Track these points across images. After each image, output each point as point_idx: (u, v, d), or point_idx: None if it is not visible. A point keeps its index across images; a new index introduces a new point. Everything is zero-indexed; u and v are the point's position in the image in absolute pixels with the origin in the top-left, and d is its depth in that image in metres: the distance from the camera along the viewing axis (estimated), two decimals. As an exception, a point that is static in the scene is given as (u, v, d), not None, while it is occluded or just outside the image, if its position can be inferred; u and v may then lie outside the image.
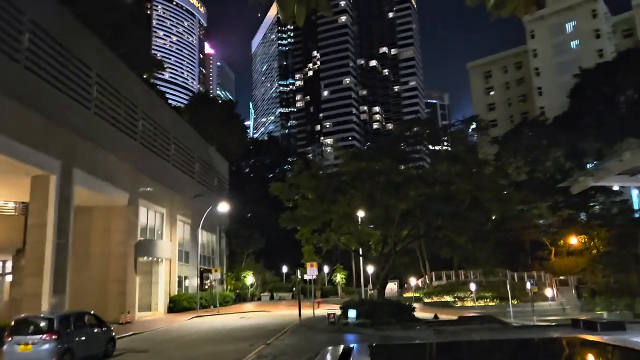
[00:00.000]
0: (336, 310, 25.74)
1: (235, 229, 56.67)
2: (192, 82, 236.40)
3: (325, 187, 28.42)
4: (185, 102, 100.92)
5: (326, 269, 65.59)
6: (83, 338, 15.58)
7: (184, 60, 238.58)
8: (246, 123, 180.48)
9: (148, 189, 35.66)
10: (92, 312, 17.22)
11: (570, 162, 53.48)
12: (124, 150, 32.61)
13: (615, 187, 19.18)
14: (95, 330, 16.57)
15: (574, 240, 52.67)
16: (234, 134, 62.90)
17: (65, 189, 25.04)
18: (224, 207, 39.47)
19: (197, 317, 33.33)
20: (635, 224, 44.22)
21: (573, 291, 48.04)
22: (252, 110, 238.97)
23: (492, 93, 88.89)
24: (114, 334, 17.61)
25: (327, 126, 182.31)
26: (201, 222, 39.46)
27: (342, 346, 10.62)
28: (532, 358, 10.92)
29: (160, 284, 37.57)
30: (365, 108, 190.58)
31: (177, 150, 42.41)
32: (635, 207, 51.13)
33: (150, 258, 36.08)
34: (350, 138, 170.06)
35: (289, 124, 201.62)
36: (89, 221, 31.29)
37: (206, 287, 43.90)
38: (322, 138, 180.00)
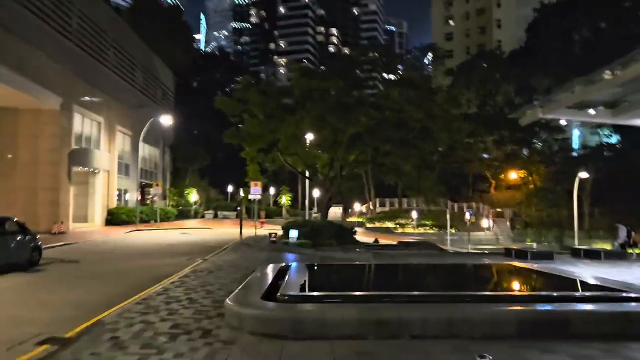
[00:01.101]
0: (278, 230, 25.53)
1: (180, 144, 54.82)
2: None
3: (274, 105, 27.20)
4: (128, 4, 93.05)
5: (272, 190, 65.38)
6: (2, 244, 14.45)
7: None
8: (197, 36, 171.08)
9: (85, 97, 33.24)
10: (14, 219, 15.97)
11: (520, 97, 54.04)
12: (56, 49, 29.82)
13: (562, 122, 19.34)
14: (18, 238, 15.42)
15: (514, 175, 54.42)
16: (180, 44, 59.25)
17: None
18: (167, 120, 37.53)
19: (135, 230, 32.45)
20: (573, 161, 45.82)
21: (507, 223, 50.17)
22: (203, 23, 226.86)
23: (451, 22, 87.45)
24: (40, 242, 16.51)
25: (282, 45, 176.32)
26: (142, 134, 37.54)
27: (281, 264, 10.06)
28: (467, 280, 10.81)
29: (97, 196, 36.09)
30: (323, 29, 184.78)
31: (117, 54, 39.42)
32: (575, 146, 52.96)
33: (87, 168, 34.29)
34: (305, 60, 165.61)
35: (242, 40, 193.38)
36: (15, 124, 28.99)
37: (147, 201, 42.72)
38: (275, 57, 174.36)
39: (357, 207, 56.76)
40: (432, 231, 47.15)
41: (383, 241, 31.62)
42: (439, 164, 47.51)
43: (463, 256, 21.95)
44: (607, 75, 14.89)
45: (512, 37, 67.75)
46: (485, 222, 48.35)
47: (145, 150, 45.59)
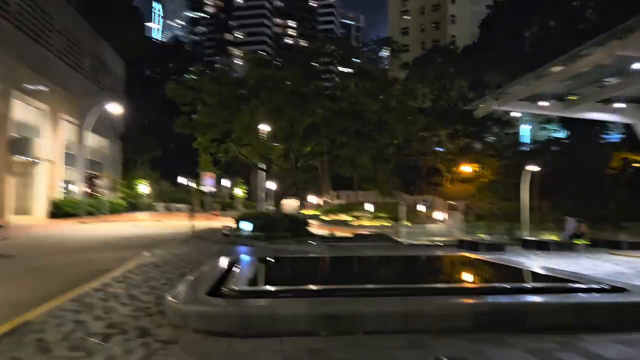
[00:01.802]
0: (232, 222, 24.93)
1: (131, 134, 52.96)
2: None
3: (228, 94, 26.40)
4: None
5: (227, 182, 64.27)
6: None
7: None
8: (151, 25, 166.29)
9: (27, 83, 31.41)
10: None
11: (473, 92, 55.00)
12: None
13: (515, 114, 19.65)
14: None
15: (467, 168, 55.45)
16: (132, 32, 57.14)
17: None
18: (117, 109, 36.01)
19: (81, 223, 31.02)
20: (523, 156, 47.00)
21: (461, 215, 51.08)
22: (158, 11, 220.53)
23: (407, 17, 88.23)
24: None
25: (239, 36, 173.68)
26: (90, 123, 35.90)
27: (231, 257, 9.52)
28: (422, 272, 10.57)
29: (40, 187, 34.33)
30: (280, 21, 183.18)
31: (63, 40, 37.50)
32: (525, 140, 54.46)
33: (28, 158, 32.48)
34: (262, 52, 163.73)
35: (197, 30, 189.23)
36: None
37: (94, 193, 41.00)
38: (232, 48, 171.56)
39: (314, 199, 56.53)
40: (387, 223, 47.42)
41: (339, 233, 31.47)
42: (395, 157, 47.81)
43: (417, 248, 22.01)
44: (555, 69, 15.08)
45: (466, 33, 68.96)
46: (439, 215, 49.06)
47: (93, 140, 43.70)
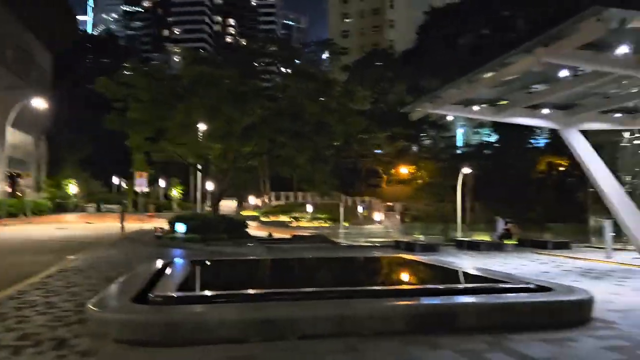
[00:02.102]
0: (167, 224, 24.11)
1: (59, 132, 50.21)
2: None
3: (163, 90, 25.50)
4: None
5: (162, 183, 62.36)
6: None
7: None
8: (83, 18, 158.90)
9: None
10: None
11: (411, 96, 56.27)
12: None
13: (450, 117, 20.25)
14: None
15: (404, 170, 56.71)
16: (61, 24, 54.15)
17: None
18: (42, 104, 33.94)
19: (1, 225, 29.01)
20: (457, 158, 48.62)
21: (398, 216, 52.16)
22: (91, 3, 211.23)
23: (347, 20, 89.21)
24: None
25: (176, 33, 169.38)
26: (11, 119, 33.66)
27: (162, 261, 9.03)
28: (358, 274, 10.51)
29: (-45, 187, 31.82)
30: (220, 19, 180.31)
31: (-19, 29, 35.01)
32: (459, 144, 56.36)
33: (-60, 155, 30.06)
34: (201, 50, 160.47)
35: (133, 25, 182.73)
36: None
37: (17, 193, 38.54)
38: (169, 45, 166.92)
39: (252, 200, 55.90)
40: (326, 224, 47.66)
41: (278, 235, 31.26)
42: (334, 158, 48.19)
43: (355, 249, 22.17)
44: (485, 75, 15.56)
45: (404, 38, 70.48)
46: (377, 216, 49.84)
47: (15, 137, 41.03)
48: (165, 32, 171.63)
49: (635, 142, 24.85)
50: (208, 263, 12.35)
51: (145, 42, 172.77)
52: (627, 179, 21.44)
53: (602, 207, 21.13)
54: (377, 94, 60.61)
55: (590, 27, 12.12)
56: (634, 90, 16.89)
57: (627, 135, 24.32)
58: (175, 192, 62.08)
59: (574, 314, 7.52)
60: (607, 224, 20.73)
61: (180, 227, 21.39)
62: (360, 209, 41.03)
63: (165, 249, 18.18)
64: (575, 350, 6.09)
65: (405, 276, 11.41)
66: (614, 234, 21.33)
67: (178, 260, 11.64)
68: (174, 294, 7.39)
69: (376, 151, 57.27)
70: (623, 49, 12.62)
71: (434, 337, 6.39)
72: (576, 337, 6.63)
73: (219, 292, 7.61)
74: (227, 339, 6.08)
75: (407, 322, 6.71)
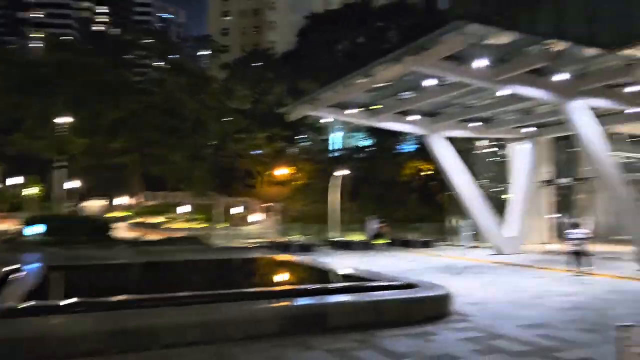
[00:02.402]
0: (20, 226, 21.68)
1: None
2: None
3: (18, 77, 22.92)
4: None
5: (18, 180, 56.19)
6: None
7: None
8: None
9: None
10: None
11: (290, 98, 56.81)
12: None
13: (326, 120, 20.78)
14: None
15: (282, 171, 57.01)
16: None
17: None
18: None
19: None
20: (333, 160, 49.98)
21: (276, 217, 52.27)
22: None
23: (228, 18, 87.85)
24: None
25: (39, 16, 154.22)
26: None
27: (10, 267, 7.95)
28: (230, 276, 10.19)
29: None
30: (89, 4, 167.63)
31: None
32: (335, 146, 58.14)
33: None
34: (65, 36, 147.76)
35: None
36: None
37: None
38: (29, 28, 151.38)
39: (124, 200, 52.53)
40: (202, 225, 46.24)
41: (150, 237, 29.61)
42: (212, 157, 47.15)
43: (229, 251, 21.74)
44: (358, 80, 16.25)
45: (284, 40, 71.08)
46: (255, 217, 49.53)
47: None
48: (26, 15, 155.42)
49: (485, 150, 27.51)
50: (66, 269, 11.25)
51: (2, 24, 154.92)
52: (482, 183, 23.48)
53: (459, 209, 23.03)
54: (257, 94, 60.33)
55: (452, 40, 13.12)
56: (489, 101, 18.65)
57: (478, 143, 26.81)
58: (33, 191, 56.31)
59: (436, 308, 7.97)
60: (463, 224, 22.66)
61: (36, 229, 19.34)
62: (237, 209, 40.46)
63: (15, 253, 16.26)
64: (436, 343, 6.43)
65: (278, 277, 11.36)
66: (471, 233, 23.34)
67: (30, 266, 10.44)
68: (19, 305, 6.55)
69: (255, 151, 57.01)
70: (481, 62, 13.83)
71: (306, 338, 6.35)
72: (437, 331, 7.02)
73: (72, 301, 6.85)
74: (83, 352, 5.49)
75: (279, 323, 6.61)
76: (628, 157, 23.61)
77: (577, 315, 8.18)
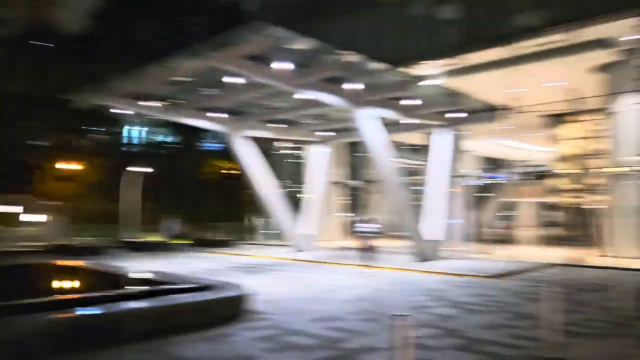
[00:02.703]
0: None
1: None
2: None
3: None
4: None
5: None
6: None
7: None
8: None
9: None
10: None
11: (80, 84, 51.54)
12: None
13: (124, 110, 18.97)
14: None
15: (70, 166, 51.55)
16: None
17: None
18: None
19: None
20: (131, 156, 46.86)
21: (63, 217, 46.98)
22: None
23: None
24: None
25: None
26: None
27: None
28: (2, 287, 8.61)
29: None
30: None
31: None
32: (133, 141, 54.65)
33: None
34: None
35: None
36: None
37: None
38: None
39: None
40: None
41: None
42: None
43: (3, 256, 18.74)
44: (156, 71, 15.48)
45: (77, 20, 64.34)
46: (33, 217, 43.74)
47: None
48: None
49: (286, 151, 28.78)
50: None
51: None
52: (282, 183, 24.27)
53: (259, 208, 23.48)
54: (38, 77, 53.42)
55: (252, 40, 13.21)
56: (290, 104, 19.34)
57: (279, 144, 27.90)
58: None
59: (234, 309, 7.90)
60: (262, 223, 23.24)
61: None
62: (10, 208, 35.20)
63: None
64: (231, 344, 6.34)
65: (59, 284, 10.08)
66: (270, 232, 24.05)
67: None
68: None
69: (32, 142, 50.41)
70: (282, 65, 14.20)
71: (90, 353, 5.69)
72: (234, 332, 6.95)
73: None
74: None
75: (57, 338, 5.77)
76: (408, 163, 27.07)
77: (361, 307, 8.90)
